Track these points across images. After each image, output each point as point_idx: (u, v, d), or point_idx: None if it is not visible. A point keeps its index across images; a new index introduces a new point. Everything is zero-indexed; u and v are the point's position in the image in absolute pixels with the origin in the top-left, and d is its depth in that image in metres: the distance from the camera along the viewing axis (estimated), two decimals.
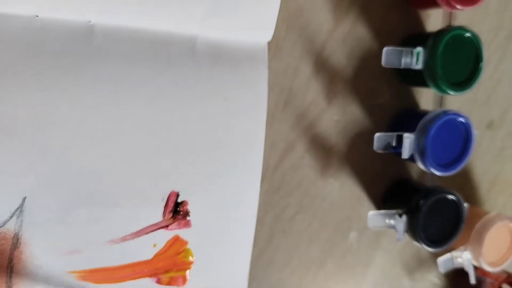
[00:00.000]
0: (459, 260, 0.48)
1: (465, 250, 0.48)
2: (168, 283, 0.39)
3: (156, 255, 0.38)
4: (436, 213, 0.43)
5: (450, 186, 0.47)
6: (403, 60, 0.39)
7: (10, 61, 0.33)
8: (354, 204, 0.46)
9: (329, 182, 0.44)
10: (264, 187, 0.42)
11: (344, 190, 0.45)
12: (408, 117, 0.44)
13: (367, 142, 0.44)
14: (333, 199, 0.45)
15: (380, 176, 0.46)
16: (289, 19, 0.40)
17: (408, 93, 0.45)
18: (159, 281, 0.38)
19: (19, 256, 0.34)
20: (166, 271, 0.38)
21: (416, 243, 0.44)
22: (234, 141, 0.39)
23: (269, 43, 0.39)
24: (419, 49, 0.39)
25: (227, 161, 0.39)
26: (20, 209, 0.33)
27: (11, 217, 0.33)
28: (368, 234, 0.47)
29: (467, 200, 0.50)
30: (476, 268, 0.47)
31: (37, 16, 0.33)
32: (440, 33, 0.39)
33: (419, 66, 0.39)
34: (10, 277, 0.34)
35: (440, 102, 0.46)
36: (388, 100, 0.45)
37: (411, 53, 0.39)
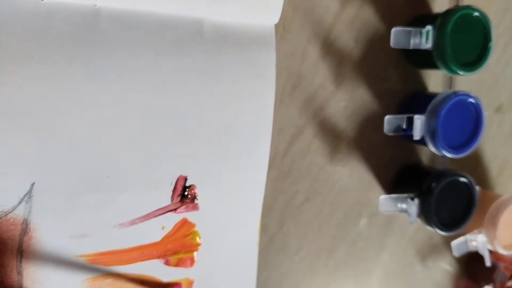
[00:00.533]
0: (473, 243, 0.47)
1: (479, 233, 0.47)
2: (176, 265, 0.38)
3: (165, 237, 0.38)
4: (448, 196, 0.42)
5: (460, 170, 0.47)
6: (412, 41, 0.39)
7: (16, 45, 0.32)
8: (364, 189, 0.45)
9: (339, 167, 0.44)
10: (273, 173, 0.42)
11: (354, 176, 0.45)
12: (417, 100, 0.44)
13: (376, 126, 0.43)
14: (343, 185, 0.45)
15: (390, 161, 0.46)
16: (296, 1, 0.39)
17: (417, 76, 0.45)
18: (167, 263, 0.38)
19: (28, 242, 0.34)
20: (175, 253, 0.38)
21: (428, 228, 0.43)
22: (242, 125, 0.38)
23: (276, 26, 0.38)
24: (429, 27, 0.38)
25: (235, 145, 0.38)
26: (29, 194, 0.33)
27: (20, 202, 0.33)
28: (379, 220, 0.47)
29: (478, 184, 0.50)
30: (490, 253, 0.47)
31: (42, 0, 0.33)
32: (449, 12, 0.39)
33: (428, 45, 0.38)
34: (20, 262, 0.34)
35: (449, 84, 0.45)
36: (396, 83, 0.44)
37: (420, 33, 0.39)
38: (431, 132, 0.40)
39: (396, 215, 0.47)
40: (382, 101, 0.44)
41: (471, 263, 0.52)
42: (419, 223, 0.44)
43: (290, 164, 0.42)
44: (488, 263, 0.46)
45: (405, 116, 0.40)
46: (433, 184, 0.42)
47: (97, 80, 0.34)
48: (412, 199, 0.41)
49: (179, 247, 0.38)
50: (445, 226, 0.43)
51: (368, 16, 0.42)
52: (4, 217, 0.33)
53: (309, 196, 0.44)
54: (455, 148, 0.41)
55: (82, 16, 0.33)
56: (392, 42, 0.39)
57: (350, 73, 0.42)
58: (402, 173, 0.46)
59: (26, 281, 0.34)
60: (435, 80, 0.45)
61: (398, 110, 0.44)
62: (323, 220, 0.45)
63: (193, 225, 0.38)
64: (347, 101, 0.43)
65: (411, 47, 0.39)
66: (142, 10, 0.35)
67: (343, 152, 0.44)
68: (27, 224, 0.33)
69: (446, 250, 0.50)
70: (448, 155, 0.41)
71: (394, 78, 0.44)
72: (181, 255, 0.39)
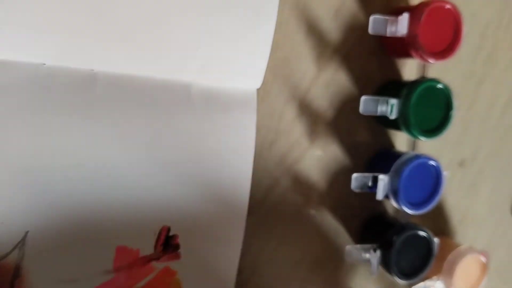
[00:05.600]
0: None
1: (438, 279, 0.51)
2: None
3: (147, 284, 0.41)
4: (408, 248, 0.46)
5: (424, 218, 0.51)
6: (379, 108, 0.43)
7: (18, 104, 0.35)
8: (333, 236, 0.49)
9: (311, 216, 0.48)
10: (250, 220, 0.45)
11: (324, 224, 0.48)
12: (384, 158, 0.47)
13: (346, 179, 0.47)
14: (314, 232, 0.48)
15: (358, 211, 0.49)
16: (276, 68, 0.43)
17: (385, 134, 0.49)
18: None
19: (19, 285, 0.37)
20: None
21: (389, 276, 0.47)
22: (223, 180, 0.42)
23: (258, 90, 0.42)
24: (393, 101, 0.42)
25: (216, 198, 0.42)
26: (22, 242, 0.36)
27: (14, 249, 0.36)
28: (346, 264, 0.50)
29: (440, 232, 0.54)
30: None
31: (44, 64, 0.36)
32: (414, 84, 0.43)
33: (393, 116, 0.42)
34: None
35: (414, 142, 0.49)
36: (366, 140, 0.48)
37: (387, 102, 0.43)
38: (394, 191, 0.44)
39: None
40: (352, 157, 0.48)
41: None
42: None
43: (266, 212, 0.46)
44: None
45: (371, 175, 0.44)
46: (394, 237, 0.45)
47: (92, 138, 0.37)
48: (375, 250, 0.45)
49: None
50: (404, 275, 0.46)
51: (343, 81, 0.46)
52: None
53: (282, 241, 0.47)
54: (415, 205, 0.45)
55: (80, 79, 0.37)
56: (361, 109, 0.43)
57: (323, 131, 0.46)
58: (368, 222, 0.50)
59: None
60: (402, 138, 0.49)
61: (367, 166, 0.48)
62: (294, 264, 0.48)
63: (174, 273, 0.41)
64: (320, 156, 0.47)
65: (378, 114, 0.43)
66: (136, 74, 0.38)
67: (315, 202, 0.48)
68: (19, 269, 0.36)
69: None
70: (409, 211, 0.45)
71: (364, 137, 0.48)
72: None
